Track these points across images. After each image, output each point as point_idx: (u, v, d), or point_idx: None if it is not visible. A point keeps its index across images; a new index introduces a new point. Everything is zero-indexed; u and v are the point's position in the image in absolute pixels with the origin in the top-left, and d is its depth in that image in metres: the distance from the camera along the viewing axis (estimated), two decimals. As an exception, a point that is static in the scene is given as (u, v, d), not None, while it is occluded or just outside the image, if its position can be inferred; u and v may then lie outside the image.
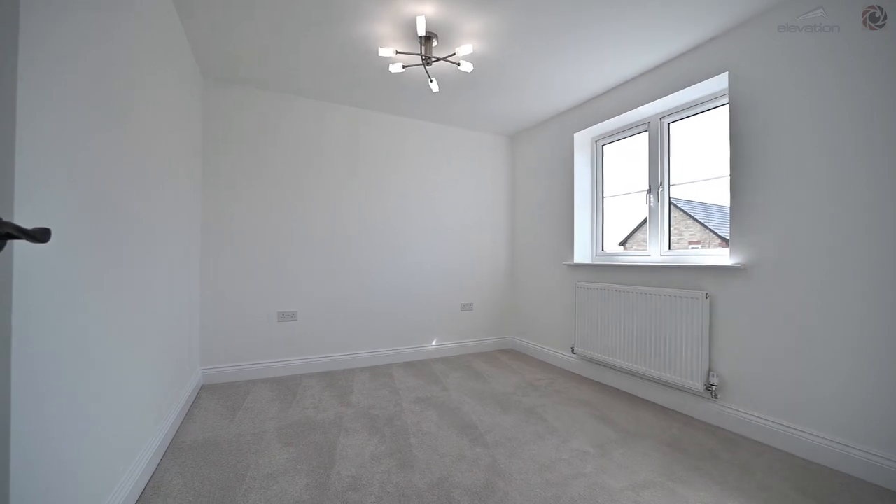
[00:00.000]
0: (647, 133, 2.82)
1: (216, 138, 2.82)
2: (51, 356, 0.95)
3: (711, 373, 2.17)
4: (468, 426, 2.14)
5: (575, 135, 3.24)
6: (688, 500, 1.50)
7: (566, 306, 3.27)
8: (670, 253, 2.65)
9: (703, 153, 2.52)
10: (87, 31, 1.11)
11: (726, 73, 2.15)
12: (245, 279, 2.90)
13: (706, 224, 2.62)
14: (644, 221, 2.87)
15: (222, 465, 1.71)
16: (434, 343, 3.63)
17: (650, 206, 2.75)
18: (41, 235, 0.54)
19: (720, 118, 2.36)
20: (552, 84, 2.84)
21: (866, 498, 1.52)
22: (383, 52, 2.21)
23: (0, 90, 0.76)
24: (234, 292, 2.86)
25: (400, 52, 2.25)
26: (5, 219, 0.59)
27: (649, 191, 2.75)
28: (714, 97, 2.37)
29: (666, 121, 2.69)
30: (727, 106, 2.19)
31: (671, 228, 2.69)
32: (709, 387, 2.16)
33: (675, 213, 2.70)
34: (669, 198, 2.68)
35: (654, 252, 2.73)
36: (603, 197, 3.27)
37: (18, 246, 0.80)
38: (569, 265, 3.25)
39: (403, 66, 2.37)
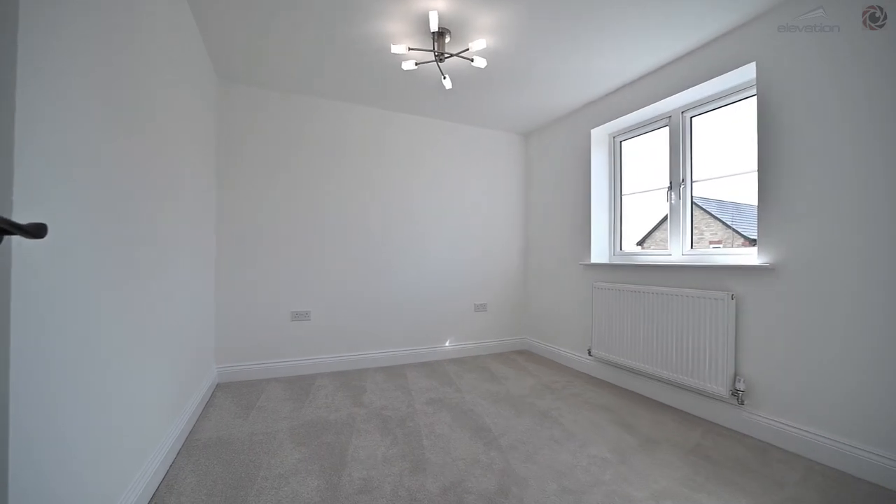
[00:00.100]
0: (667, 128, 2.72)
1: (231, 139, 2.85)
2: (62, 356, 0.95)
3: (738, 377, 2.07)
4: (482, 429, 2.09)
5: (592, 131, 3.16)
6: (714, 513, 1.43)
7: (583, 307, 3.19)
8: (692, 252, 2.55)
9: (727, 148, 2.42)
10: (99, 32, 1.11)
11: (753, 63, 2.04)
12: (259, 278, 2.92)
13: (728, 223, 2.51)
14: (663, 220, 2.77)
15: (235, 464, 1.71)
16: (448, 343, 3.60)
17: (671, 204, 2.65)
18: (36, 231, 0.52)
19: (745, 111, 2.26)
20: (568, 79, 2.77)
21: (911, 515, 1.42)
22: (396, 49, 2.19)
23: (0, 90, 0.75)
24: (248, 292, 2.89)
25: (413, 49, 2.22)
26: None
27: (670, 188, 2.65)
28: (739, 89, 2.26)
29: (688, 115, 2.59)
30: (754, 98, 2.09)
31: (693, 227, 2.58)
32: (735, 392, 2.06)
33: (695, 211, 2.59)
34: (692, 195, 2.58)
35: (675, 251, 2.63)
36: (621, 195, 3.18)
37: (23, 245, 0.79)
38: (585, 265, 3.16)
39: (416, 64, 2.34)
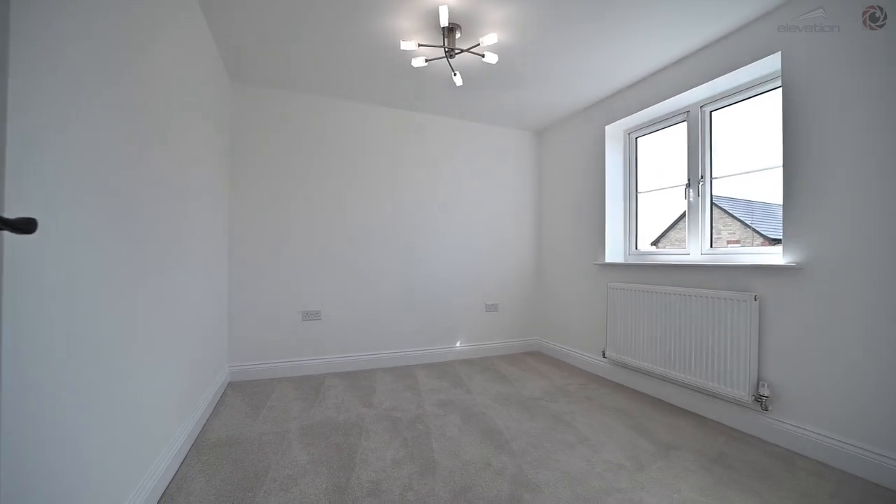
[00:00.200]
0: (685, 123, 2.63)
1: (243, 139, 2.86)
2: (66, 358, 0.94)
3: (761, 382, 1.98)
4: (493, 431, 2.05)
5: (606, 127, 3.08)
6: (738, 525, 1.35)
7: (597, 308, 3.11)
8: (712, 251, 2.46)
9: (748, 143, 2.32)
10: (107, 30, 1.11)
11: (779, 53, 1.95)
12: (271, 278, 2.92)
13: (747, 222, 2.41)
14: (680, 218, 2.67)
15: (244, 464, 1.70)
16: (458, 344, 3.55)
17: (689, 202, 2.56)
18: (25, 226, 0.50)
19: (769, 104, 2.16)
20: (581, 74, 2.70)
21: (954, 532, 1.33)
22: (405, 45, 2.16)
23: None
24: (261, 291, 2.89)
25: (423, 45, 2.19)
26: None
27: (688, 185, 2.56)
28: (761, 81, 2.17)
29: (707, 109, 2.50)
30: (778, 90, 1.99)
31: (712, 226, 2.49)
32: (758, 398, 1.97)
33: (713, 210, 2.50)
34: (711, 192, 2.48)
35: (693, 250, 2.54)
36: (637, 193, 3.09)
37: (24, 242, 0.78)
38: (599, 265, 3.09)
39: (426, 60, 2.31)
